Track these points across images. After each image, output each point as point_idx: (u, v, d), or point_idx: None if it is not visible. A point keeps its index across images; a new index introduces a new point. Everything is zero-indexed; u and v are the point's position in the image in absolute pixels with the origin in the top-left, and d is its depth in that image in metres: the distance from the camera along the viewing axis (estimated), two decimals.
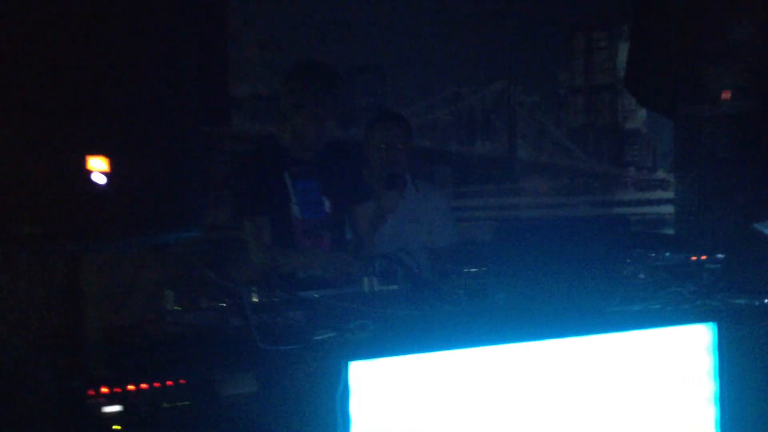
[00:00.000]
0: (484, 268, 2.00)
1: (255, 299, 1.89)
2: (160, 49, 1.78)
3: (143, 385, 1.56)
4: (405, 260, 2.21)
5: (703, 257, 2.28)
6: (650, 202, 22.83)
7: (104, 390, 1.50)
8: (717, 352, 1.88)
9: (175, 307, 1.71)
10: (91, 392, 1.50)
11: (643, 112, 21.56)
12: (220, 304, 1.75)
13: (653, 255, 2.24)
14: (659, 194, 22.28)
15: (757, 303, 2.03)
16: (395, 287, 2.14)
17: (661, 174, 20.89)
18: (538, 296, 1.94)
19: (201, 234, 1.76)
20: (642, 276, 2.11)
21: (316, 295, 2.06)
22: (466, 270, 2.15)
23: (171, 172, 1.78)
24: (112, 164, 1.65)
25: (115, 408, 1.51)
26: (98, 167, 1.62)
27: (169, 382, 1.57)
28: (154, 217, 1.76)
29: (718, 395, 1.90)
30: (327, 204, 2.37)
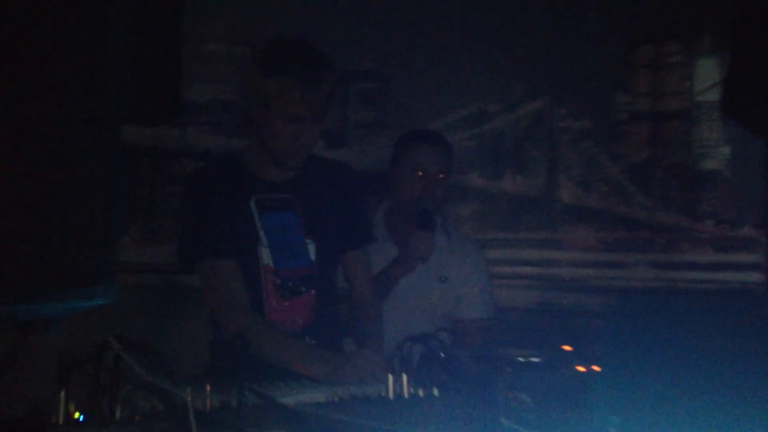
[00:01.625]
0: (543, 357, 1.84)
1: (207, 404, 1.45)
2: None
3: None
4: (450, 348, 1.82)
5: None
6: (732, 267, 22.21)
7: None
8: None
9: (75, 416, 1.36)
10: None
11: (726, 149, 21.20)
12: (147, 414, 1.39)
13: None
14: (745, 257, 21.74)
15: None
16: (435, 392, 1.67)
17: (747, 231, 20.43)
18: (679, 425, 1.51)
19: (112, 299, 1.62)
20: None
21: (307, 403, 1.60)
22: (525, 359, 1.82)
23: (54, 208, 1.55)
24: None
25: None
26: None
27: None
28: (31, 278, 1.53)
29: None
30: (311, 248, 2.18)
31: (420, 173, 2.56)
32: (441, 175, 2.58)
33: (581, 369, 1.84)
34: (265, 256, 2.07)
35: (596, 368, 1.82)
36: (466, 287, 2.63)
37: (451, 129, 25.71)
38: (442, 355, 1.76)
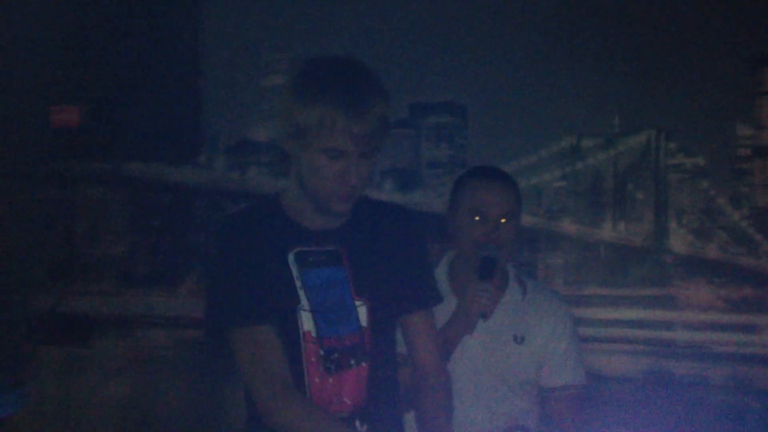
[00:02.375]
0: None
1: None
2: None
3: None
4: None
5: None
6: None
7: None
8: None
9: None
10: None
11: None
12: None
13: None
14: None
15: None
16: None
17: None
18: None
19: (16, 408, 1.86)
20: None
21: None
22: None
23: None
24: None
25: None
26: None
27: None
28: None
29: None
30: (362, 310, 1.98)
31: (478, 217, 2.47)
32: (503, 219, 2.48)
33: None
34: (306, 321, 1.99)
35: None
36: (548, 349, 2.53)
37: (539, 168, 24.77)
38: None
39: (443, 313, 2.37)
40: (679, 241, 21.87)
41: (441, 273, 2.55)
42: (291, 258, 1.99)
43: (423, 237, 2.14)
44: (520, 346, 2.52)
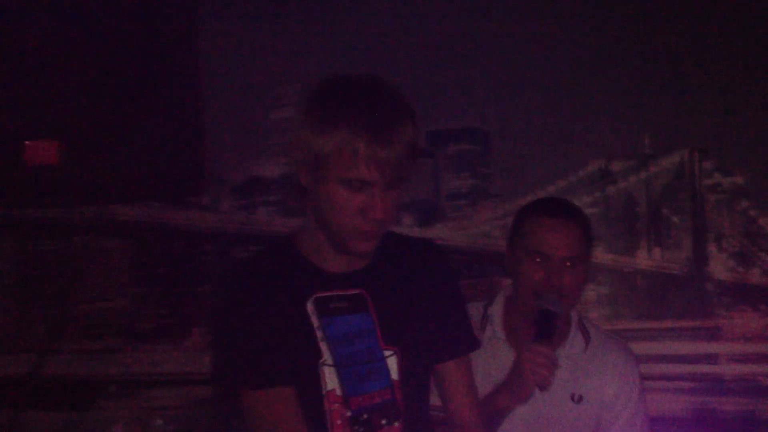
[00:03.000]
0: None
1: None
2: None
3: None
4: None
5: None
6: None
7: None
8: None
9: None
10: None
11: None
12: None
13: None
14: None
15: None
16: None
17: None
18: None
19: None
20: None
21: None
22: None
23: None
24: None
25: None
26: None
27: None
28: None
29: None
30: (392, 361, 1.93)
31: (538, 258, 2.38)
32: (568, 263, 2.38)
33: None
34: (330, 378, 1.93)
35: None
36: (611, 411, 2.48)
37: (568, 195, 25.04)
38: None
39: (496, 363, 2.37)
40: (720, 267, 21.91)
41: (495, 314, 2.51)
42: (310, 305, 1.93)
43: (456, 275, 2.10)
44: (577, 406, 2.47)
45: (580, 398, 2.50)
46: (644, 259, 22.86)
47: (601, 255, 26.24)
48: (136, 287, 46.20)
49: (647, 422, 2.54)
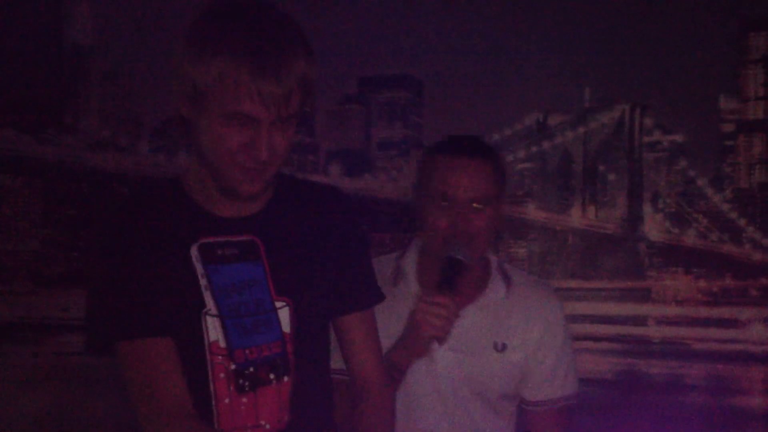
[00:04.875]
0: None
1: None
2: None
3: None
4: None
5: None
6: None
7: None
8: None
9: None
10: None
11: None
12: None
13: None
14: None
15: None
16: None
17: None
18: None
19: None
20: None
21: None
22: None
23: None
24: None
25: None
26: None
27: None
28: None
29: None
30: (284, 313, 1.81)
31: (444, 202, 2.21)
32: (476, 205, 2.19)
33: None
34: (213, 329, 1.78)
35: None
36: (535, 358, 2.30)
37: (502, 148, 25.18)
38: None
39: (407, 315, 2.21)
40: (654, 228, 22.25)
41: (408, 266, 2.37)
42: (194, 252, 1.81)
43: (360, 224, 2.01)
44: (501, 354, 2.32)
45: (504, 346, 2.30)
46: (578, 217, 23.07)
47: (534, 212, 26.50)
48: (46, 229, 45.63)
49: (573, 365, 2.42)
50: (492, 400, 2.27)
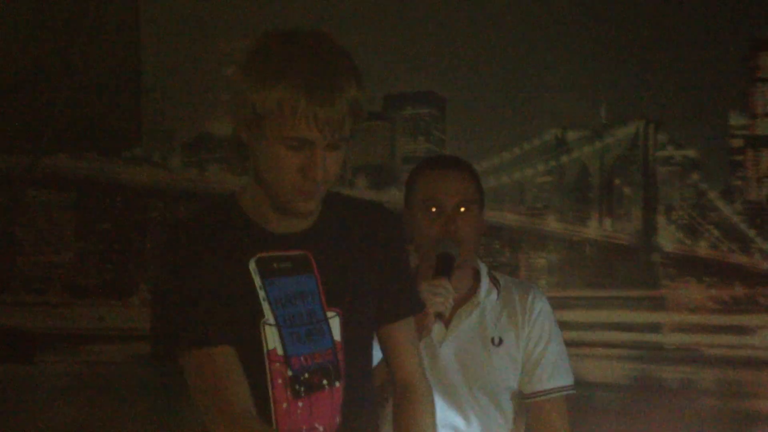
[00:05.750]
0: None
1: None
2: None
3: None
4: None
5: None
6: None
7: None
8: None
9: None
10: None
11: None
12: None
13: None
14: None
15: None
16: None
17: None
18: None
19: None
20: None
21: None
22: None
23: None
24: None
25: None
26: None
27: None
28: None
29: None
30: (335, 323, 1.94)
31: (434, 209, 2.42)
32: (462, 209, 2.44)
33: None
34: (271, 338, 1.89)
35: None
36: (528, 349, 2.50)
37: (522, 162, 25.42)
38: None
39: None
40: (668, 239, 22.49)
41: None
42: (252, 265, 1.89)
43: (402, 238, 2.06)
44: (498, 348, 2.49)
45: (500, 341, 2.52)
46: (595, 228, 23.39)
47: (552, 223, 26.61)
48: (80, 242, 45.76)
49: (564, 356, 2.58)
50: (493, 394, 2.42)
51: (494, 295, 2.55)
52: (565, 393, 2.51)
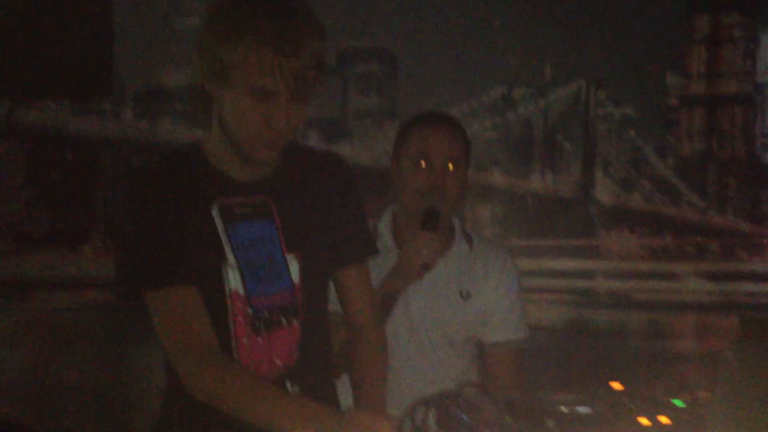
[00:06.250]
0: (592, 406, 1.73)
1: None
2: None
3: None
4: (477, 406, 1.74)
5: None
6: None
7: None
8: None
9: None
10: None
11: None
12: None
13: None
14: None
15: None
16: None
17: None
18: None
19: None
20: None
21: None
22: (569, 408, 1.73)
23: None
24: None
25: None
26: None
27: None
28: None
29: None
30: (294, 266, 2.02)
31: (423, 163, 2.43)
32: (451, 166, 2.45)
33: (645, 422, 1.72)
34: (233, 279, 1.88)
35: (665, 420, 1.72)
36: (493, 305, 2.51)
37: (470, 118, 25.99)
38: (466, 419, 1.60)
39: (386, 270, 2.33)
40: (605, 192, 23.13)
41: (384, 227, 2.51)
42: (215, 211, 1.88)
43: (357, 186, 2.08)
44: (465, 302, 2.48)
45: (468, 294, 2.48)
46: (537, 182, 23.94)
47: (497, 177, 26.82)
48: (31, 191, 44.77)
49: (524, 312, 2.53)
50: (457, 343, 2.43)
51: (466, 251, 2.52)
52: (519, 345, 2.51)
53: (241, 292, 1.85)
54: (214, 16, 1.80)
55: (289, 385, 1.87)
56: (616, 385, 1.84)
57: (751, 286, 21.64)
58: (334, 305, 2.00)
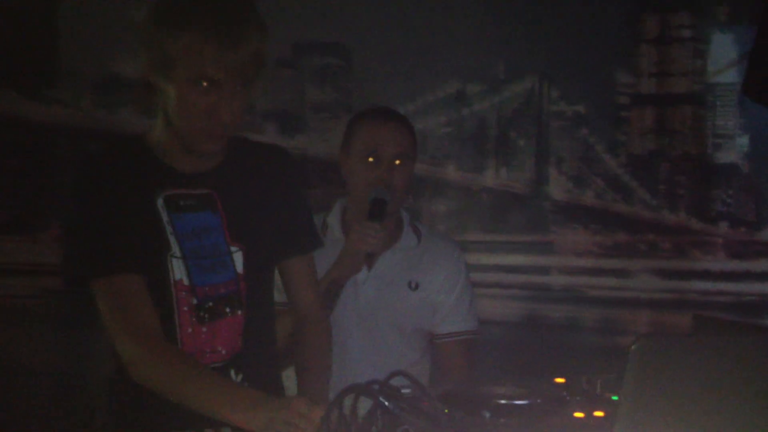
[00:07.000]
0: (530, 398, 1.70)
1: None
2: None
3: None
4: (408, 396, 1.60)
5: None
6: (750, 277, 22.31)
7: None
8: None
9: None
10: None
11: (744, 139, 21.28)
12: None
13: None
14: (764, 264, 21.78)
15: None
16: None
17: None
18: None
19: None
20: None
21: None
22: (507, 400, 1.67)
23: None
24: None
25: None
26: None
27: None
28: None
29: None
30: (238, 257, 1.96)
31: (371, 159, 2.44)
32: (398, 161, 2.46)
33: (579, 415, 1.75)
34: (177, 269, 1.91)
35: (599, 413, 1.74)
36: (442, 295, 2.55)
37: (424, 113, 25.51)
38: (393, 407, 1.60)
39: (334, 260, 2.38)
40: (558, 188, 22.84)
41: (333, 220, 2.54)
42: (160, 202, 1.88)
43: (301, 179, 2.08)
44: (414, 292, 2.53)
45: (417, 285, 2.55)
46: (491, 177, 23.68)
47: (452, 172, 26.97)
48: None
49: (473, 304, 2.62)
50: (407, 333, 2.48)
51: (414, 243, 2.58)
52: (468, 336, 2.56)
53: (186, 281, 1.87)
54: (159, 7, 1.80)
55: (233, 373, 1.90)
56: (559, 380, 1.88)
57: (702, 284, 21.58)
58: (280, 295, 2.04)
